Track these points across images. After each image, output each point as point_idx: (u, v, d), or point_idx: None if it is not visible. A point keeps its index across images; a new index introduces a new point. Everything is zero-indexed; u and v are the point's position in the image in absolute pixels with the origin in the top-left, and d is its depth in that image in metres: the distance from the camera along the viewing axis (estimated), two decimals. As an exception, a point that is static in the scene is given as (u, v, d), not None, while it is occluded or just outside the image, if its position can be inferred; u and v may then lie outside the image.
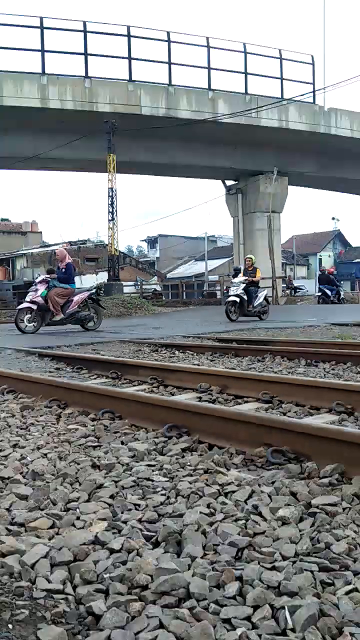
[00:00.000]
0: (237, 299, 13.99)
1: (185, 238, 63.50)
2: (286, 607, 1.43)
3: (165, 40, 22.92)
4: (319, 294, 24.07)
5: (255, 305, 14.31)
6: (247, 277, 14.57)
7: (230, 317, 13.88)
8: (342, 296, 24.86)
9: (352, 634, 1.33)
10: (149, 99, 22.42)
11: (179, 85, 22.92)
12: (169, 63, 22.96)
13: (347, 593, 1.50)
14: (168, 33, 22.95)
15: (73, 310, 11.61)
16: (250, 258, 15.65)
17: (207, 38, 23.56)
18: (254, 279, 14.71)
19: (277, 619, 1.41)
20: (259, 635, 1.35)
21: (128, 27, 22.42)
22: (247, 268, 15.14)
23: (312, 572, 1.60)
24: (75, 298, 11.65)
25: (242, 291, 14.06)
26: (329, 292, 23.59)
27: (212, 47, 23.55)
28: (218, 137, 24.13)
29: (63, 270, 11.98)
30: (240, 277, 14.73)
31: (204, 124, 22.59)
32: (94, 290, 12.34)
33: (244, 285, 14.21)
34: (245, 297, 14.08)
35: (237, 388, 4.41)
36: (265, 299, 15.05)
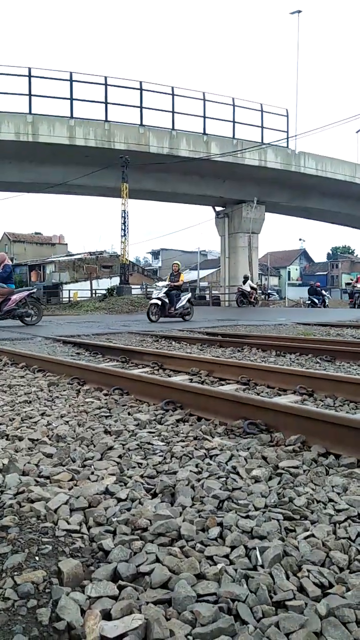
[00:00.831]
0: (159, 302, 12.62)
1: (182, 252, 63.31)
2: (257, 548, 1.43)
3: (170, 94, 22.82)
4: (309, 302, 25.08)
5: (177, 307, 12.82)
6: (169, 282, 13.15)
7: (150, 318, 12.45)
8: (327, 303, 25.51)
9: (309, 571, 1.33)
10: (155, 140, 22.32)
11: (180, 130, 22.83)
12: (173, 112, 22.85)
13: (306, 538, 1.49)
14: (172, 88, 22.87)
15: (10, 308, 10.79)
16: (177, 263, 13.87)
17: (204, 93, 23.48)
18: (176, 283, 13.16)
19: (249, 557, 1.41)
20: (235, 570, 1.34)
21: (140, 83, 22.33)
22: (173, 272, 13.48)
23: (278, 520, 1.60)
24: (14, 297, 10.82)
25: (164, 294, 12.69)
26: (316, 300, 24.66)
27: (207, 100, 23.48)
28: (210, 172, 24.07)
29: (0, 271, 10.96)
30: (164, 282, 13.45)
31: (199, 161, 22.54)
32: (34, 290, 11.52)
33: (166, 289, 12.85)
34: (166, 300, 12.67)
35: (221, 372, 4.39)
36: (189, 301, 13.35)
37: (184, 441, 2.47)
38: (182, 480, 1.92)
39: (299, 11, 27.40)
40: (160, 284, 13.55)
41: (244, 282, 22.02)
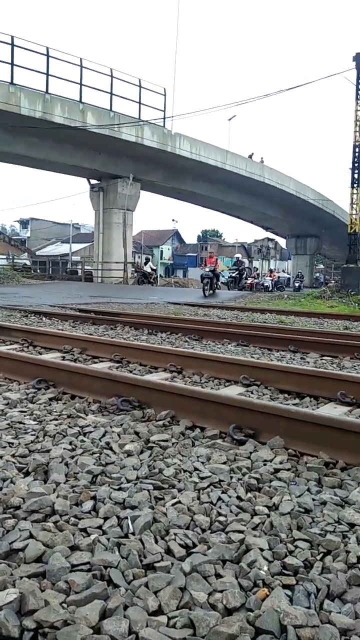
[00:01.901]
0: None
1: (54, 223, 60.95)
2: (129, 517, 1.52)
3: (45, 54, 21.53)
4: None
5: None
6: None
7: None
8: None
9: (175, 534, 1.46)
10: (27, 102, 20.93)
11: (55, 95, 21.71)
12: (47, 74, 21.60)
13: (173, 505, 1.62)
14: (47, 49, 21.57)
15: None
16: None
17: (81, 59, 22.53)
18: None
19: (121, 527, 1.50)
20: (108, 539, 1.42)
21: (12, 37, 20.69)
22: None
23: (148, 490, 1.71)
24: None
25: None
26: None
27: (85, 67, 22.59)
28: (86, 143, 23.33)
29: None
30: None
31: (74, 130, 21.72)
32: None
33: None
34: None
35: (94, 350, 4.42)
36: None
37: (57, 420, 2.48)
38: (56, 457, 1.95)
39: (180, -10, 27.42)
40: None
41: (145, 264, 25.54)
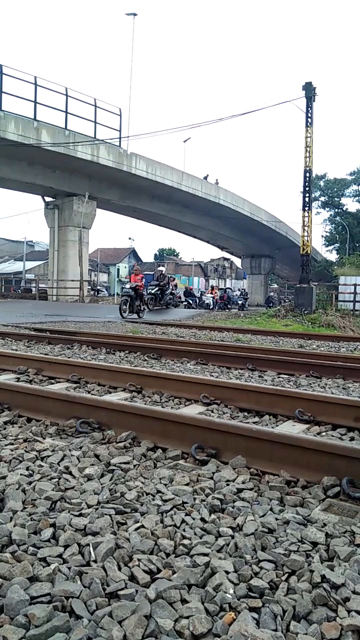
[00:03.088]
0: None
1: (7, 240, 59.74)
2: (90, 544, 1.48)
3: (-1, 71, 21.35)
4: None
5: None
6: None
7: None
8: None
9: (139, 560, 1.43)
10: (-21, 118, 20.67)
11: (8, 112, 21.50)
12: (0, 92, 21.42)
13: (136, 529, 1.59)
14: (1, 66, 21.42)
15: None
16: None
17: (35, 77, 22.50)
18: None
19: (83, 554, 1.46)
20: (69, 568, 1.38)
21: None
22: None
23: (110, 515, 1.67)
24: None
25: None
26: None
27: (39, 85, 22.53)
28: (40, 161, 23.15)
29: None
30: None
31: (29, 148, 21.53)
32: None
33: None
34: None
35: (51, 370, 4.32)
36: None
37: (12, 444, 2.40)
38: (12, 484, 1.88)
39: (135, 14, 27.90)
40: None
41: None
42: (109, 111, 25.14)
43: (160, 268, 20.78)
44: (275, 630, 1.18)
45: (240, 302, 30.77)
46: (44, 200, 27.49)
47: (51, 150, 22.10)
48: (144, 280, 15.40)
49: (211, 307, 25.48)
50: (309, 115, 18.75)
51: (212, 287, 30.90)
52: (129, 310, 13.65)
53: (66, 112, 23.51)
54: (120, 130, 25.17)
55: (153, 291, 18.08)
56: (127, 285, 14.36)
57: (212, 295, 27.28)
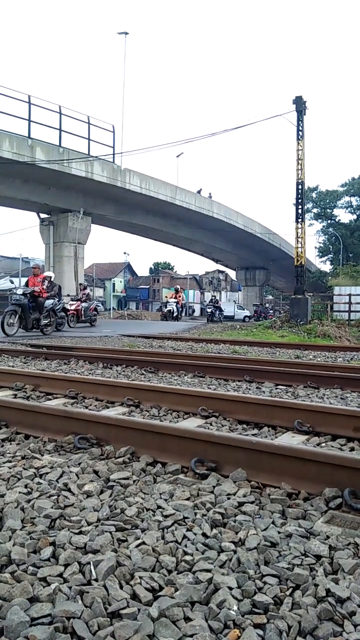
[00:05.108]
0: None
1: (2, 257, 59.81)
2: (91, 562, 1.46)
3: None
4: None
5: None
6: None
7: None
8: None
9: (140, 577, 1.40)
10: (-26, 137, 20.84)
11: (2, 130, 21.68)
12: (-6, 110, 21.63)
13: (137, 546, 1.57)
14: (-5, 85, 21.65)
15: None
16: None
17: (29, 96, 22.74)
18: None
19: (83, 573, 1.43)
20: (70, 587, 1.35)
21: None
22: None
23: (110, 532, 1.64)
24: None
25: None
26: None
27: (33, 104, 22.78)
28: (35, 178, 23.28)
29: None
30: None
31: (23, 165, 21.67)
32: None
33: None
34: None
35: (48, 386, 4.29)
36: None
37: (10, 461, 2.37)
38: (11, 502, 1.85)
39: (126, 33, 28.31)
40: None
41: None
42: (102, 128, 25.40)
43: (48, 274, 13.45)
44: (281, 647, 1.15)
45: (209, 311, 25.76)
46: (39, 216, 27.60)
47: (45, 167, 22.25)
48: (46, 283, 11.82)
49: (175, 314, 20.25)
50: (300, 128, 18.99)
51: (177, 290, 21.96)
52: (19, 325, 10.56)
53: (60, 129, 23.72)
54: (113, 147, 25.41)
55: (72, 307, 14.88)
56: (19, 291, 10.96)
57: (176, 300, 20.93)
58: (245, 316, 38.93)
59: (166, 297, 24.59)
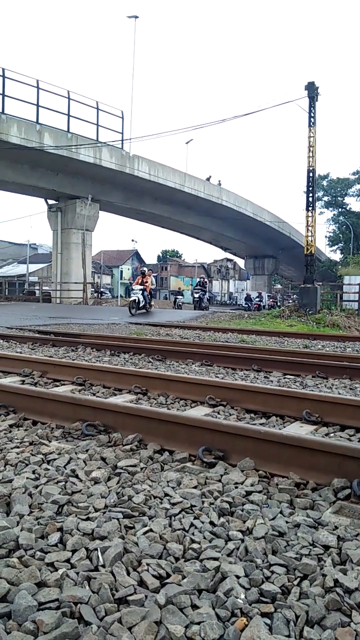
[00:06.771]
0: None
1: (10, 243, 59.91)
2: (98, 548, 1.46)
3: (0, 75, 21.42)
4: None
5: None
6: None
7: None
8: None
9: (148, 564, 1.41)
10: (-18, 122, 20.76)
11: (10, 115, 21.57)
12: (3, 95, 21.49)
13: (145, 533, 1.57)
14: (3, 69, 21.48)
15: None
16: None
17: (38, 80, 22.56)
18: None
19: (91, 559, 1.44)
20: (77, 573, 1.36)
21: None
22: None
23: (118, 519, 1.65)
24: None
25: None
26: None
27: (41, 89, 22.60)
28: (43, 164, 23.22)
29: None
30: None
31: (31, 151, 21.59)
32: None
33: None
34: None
35: (55, 373, 4.31)
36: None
37: (18, 447, 2.38)
38: (19, 488, 1.86)
39: (136, 16, 27.94)
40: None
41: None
42: (111, 114, 25.20)
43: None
44: (288, 636, 1.16)
45: (196, 296, 22.35)
46: (47, 203, 27.55)
47: (54, 153, 22.16)
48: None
49: (141, 304, 15.63)
50: (312, 115, 18.72)
51: (143, 274, 16.80)
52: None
53: (68, 115, 23.58)
54: (122, 133, 25.23)
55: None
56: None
57: (142, 287, 15.84)
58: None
59: (129, 280, 21.43)
